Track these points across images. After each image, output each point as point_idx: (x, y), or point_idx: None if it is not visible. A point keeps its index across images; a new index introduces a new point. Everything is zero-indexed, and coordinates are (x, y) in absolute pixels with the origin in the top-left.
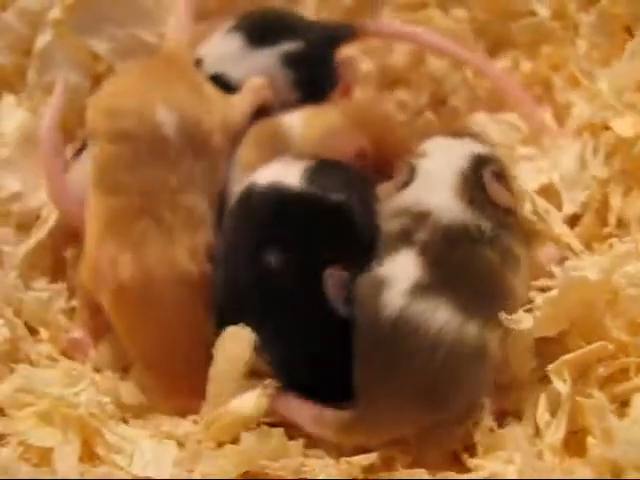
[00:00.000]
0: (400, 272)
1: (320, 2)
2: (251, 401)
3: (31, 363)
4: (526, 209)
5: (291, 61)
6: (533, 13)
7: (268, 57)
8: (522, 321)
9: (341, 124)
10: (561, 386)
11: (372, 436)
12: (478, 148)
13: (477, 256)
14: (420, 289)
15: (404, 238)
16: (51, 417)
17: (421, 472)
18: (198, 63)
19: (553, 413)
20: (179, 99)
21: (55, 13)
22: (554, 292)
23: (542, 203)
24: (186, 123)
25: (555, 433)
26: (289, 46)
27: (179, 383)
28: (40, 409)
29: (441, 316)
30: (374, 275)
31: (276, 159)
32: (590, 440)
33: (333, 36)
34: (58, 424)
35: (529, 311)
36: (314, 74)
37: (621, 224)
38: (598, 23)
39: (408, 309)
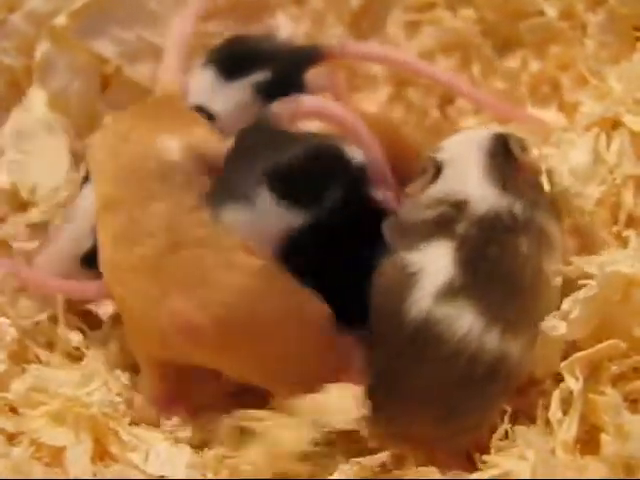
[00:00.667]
0: (433, 267)
1: (327, 4)
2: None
3: (41, 362)
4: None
5: (263, 90)
6: (541, 13)
7: (241, 89)
8: (556, 328)
9: None
10: (573, 384)
11: (383, 440)
12: (494, 130)
13: (511, 250)
14: (450, 290)
15: (444, 226)
16: (63, 416)
17: (433, 471)
18: None
19: (565, 411)
20: (181, 130)
21: (59, 20)
22: (590, 291)
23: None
24: (191, 146)
25: (568, 431)
26: (259, 76)
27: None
28: (52, 408)
29: (465, 322)
30: (402, 263)
31: None
32: (604, 437)
33: (301, 61)
34: (70, 424)
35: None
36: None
37: (632, 222)
38: (606, 23)
39: (435, 313)
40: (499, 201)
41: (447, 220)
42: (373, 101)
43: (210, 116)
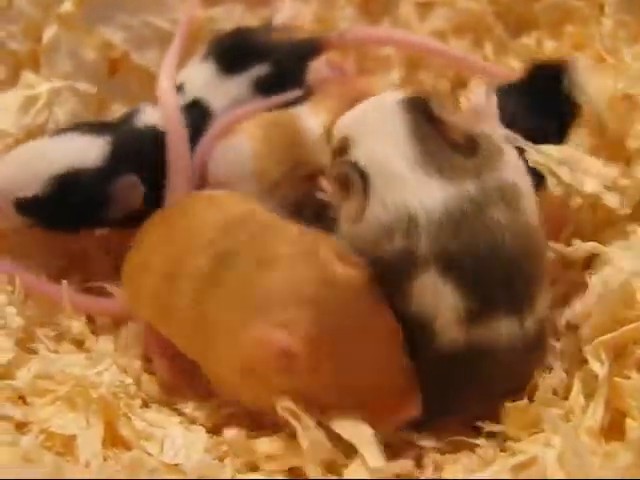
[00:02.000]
0: (440, 305)
1: None
2: None
3: (47, 349)
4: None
5: (263, 85)
6: None
7: (240, 84)
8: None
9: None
10: (598, 368)
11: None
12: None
13: (487, 229)
14: (469, 315)
15: (412, 261)
16: (73, 401)
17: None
18: (179, 88)
19: (589, 395)
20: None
21: (64, 7)
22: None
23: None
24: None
25: (593, 416)
26: (259, 70)
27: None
28: (61, 393)
29: (501, 329)
30: (415, 316)
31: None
32: (629, 422)
33: (300, 54)
34: (80, 408)
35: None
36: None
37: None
38: (624, 1)
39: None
40: (448, 193)
41: (410, 254)
42: (385, 83)
43: (206, 111)
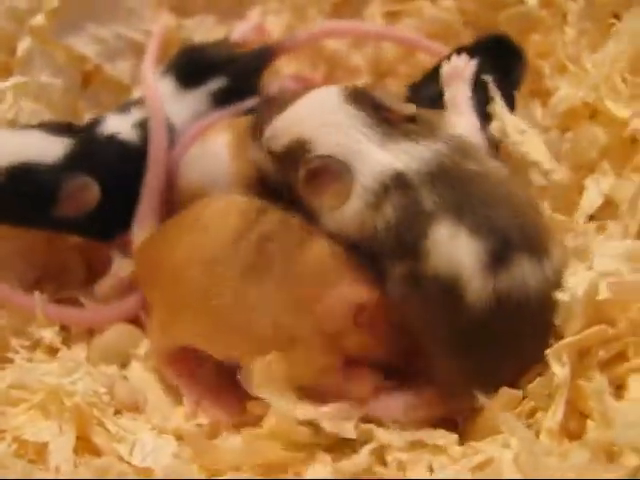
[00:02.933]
0: (462, 253)
1: None
2: None
3: (22, 359)
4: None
5: (220, 98)
6: (521, 2)
7: (198, 98)
8: None
9: None
10: (559, 370)
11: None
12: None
13: (475, 180)
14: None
15: (420, 219)
16: (47, 409)
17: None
18: (141, 102)
19: (551, 397)
20: None
21: (37, 20)
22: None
23: (515, 122)
24: None
25: (553, 417)
26: (215, 84)
27: None
28: (35, 402)
29: (526, 272)
30: (437, 280)
31: None
32: (589, 423)
33: (255, 62)
34: (54, 416)
35: None
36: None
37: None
38: (585, 10)
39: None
40: (422, 151)
41: (416, 213)
42: None
43: (168, 126)
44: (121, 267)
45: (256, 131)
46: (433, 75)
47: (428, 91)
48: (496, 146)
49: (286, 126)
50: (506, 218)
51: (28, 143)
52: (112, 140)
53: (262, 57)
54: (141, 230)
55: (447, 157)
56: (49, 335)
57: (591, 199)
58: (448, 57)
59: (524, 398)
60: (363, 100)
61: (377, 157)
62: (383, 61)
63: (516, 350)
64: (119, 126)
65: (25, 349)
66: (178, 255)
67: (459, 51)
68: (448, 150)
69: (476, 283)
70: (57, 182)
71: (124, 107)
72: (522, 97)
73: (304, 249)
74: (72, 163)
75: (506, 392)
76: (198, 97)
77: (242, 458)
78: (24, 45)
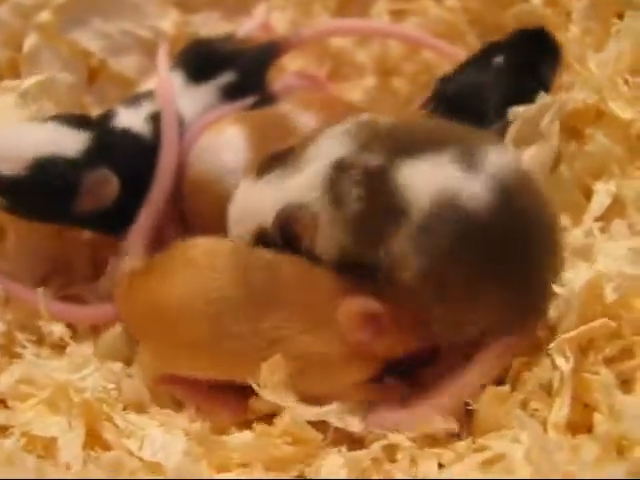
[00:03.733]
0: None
1: None
2: None
3: (30, 354)
4: None
5: (229, 92)
6: (526, 0)
7: (208, 92)
8: None
9: None
10: (563, 364)
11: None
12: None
13: None
14: None
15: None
16: (56, 405)
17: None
18: (150, 96)
19: (556, 392)
20: None
21: (43, 16)
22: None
23: None
24: None
25: (559, 411)
26: (224, 78)
27: None
28: (44, 397)
29: None
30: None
31: None
32: (596, 417)
33: (263, 57)
34: (63, 411)
35: None
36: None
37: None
38: (590, 9)
39: None
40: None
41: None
42: (359, 90)
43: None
44: (117, 266)
45: None
46: (465, 67)
47: (459, 83)
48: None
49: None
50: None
51: (49, 136)
52: (127, 134)
53: (269, 52)
54: (133, 249)
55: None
56: (58, 330)
57: (600, 202)
58: (483, 52)
59: (512, 392)
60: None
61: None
62: (389, 59)
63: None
64: (132, 120)
65: (32, 344)
66: (175, 293)
67: (492, 47)
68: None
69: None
70: (79, 176)
71: (134, 100)
72: None
73: (304, 275)
74: (91, 157)
75: (492, 389)
76: (208, 91)
77: (252, 454)
78: (30, 41)
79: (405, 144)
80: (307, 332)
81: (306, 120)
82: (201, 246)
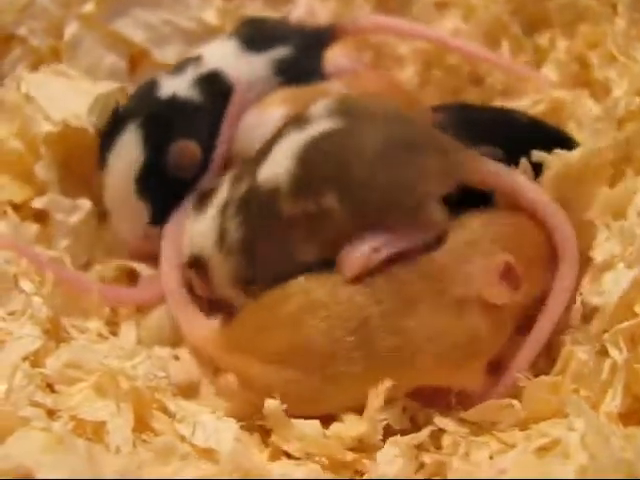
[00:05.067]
0: None
1: None
2: None
3: (76, 339)
4: None
5: (280, 66)
6: None
7: (260, 61)
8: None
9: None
10: (617, 355)
11: None
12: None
13: None
14: None
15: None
16: (104, 390)
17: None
18: (197, 59)
19: (607, 382)
20: None
21: (87, 8)
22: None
23: None
24: None
25: (612, 402)
26: (279, 52)
27: None
28: (92, 382)
29: None
30: None
31: None
32: None
33: (319, 38)
34: (111, 397)
35: None
36: (301, 79)
37: None
38: (636, 0)
39: None
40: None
41: None
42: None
43: (223, 81)
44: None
45: None
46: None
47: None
48: None
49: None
50: None
51: None
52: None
53: (324, 35)
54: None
55: None
56: (100, 315)
57: None
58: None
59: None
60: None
61: None
62: (430, 51)
63: None
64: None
65: (77, 329)
66: (314, 335)
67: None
68: None
69: None
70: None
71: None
72: (571, 88)
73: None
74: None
75: (543, 378)
76: (261, 61)
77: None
78: (71, 29)
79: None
80: (456, 319)
81: None
82: (315, 285)
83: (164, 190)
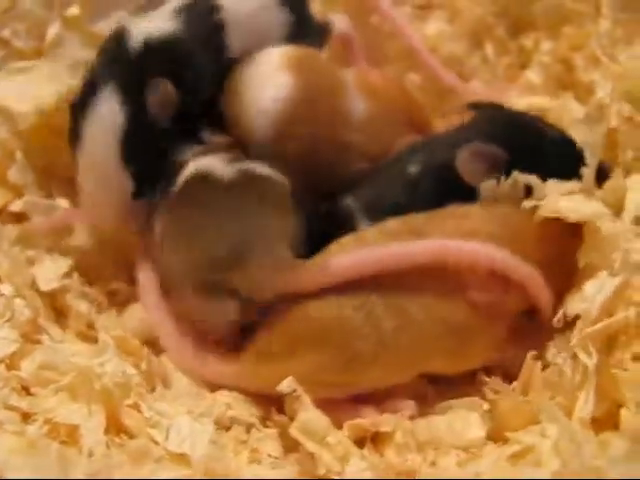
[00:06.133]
0: None
1: None
2: None
3: (51, 340)
4: None
5: (286, 1)
6: None
7: None
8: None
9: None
10: (587, 360)
11: None
12: None
13: None
14: None
15: None
16: (77, 391)
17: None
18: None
19: (580, 387)
20: None
21: (73, 10)
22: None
23: None
24: None
25: (584, 407)
26: None
27: None
28: (67, 383)
29: None
30: None
31: None
32: (624, 413)
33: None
34: (82, 398)
35: None
36: (304, 17)
37: None
38: (620, 2)
39: None
40: None
41: None
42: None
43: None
44: None
45: None
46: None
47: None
48: None
49: None
50: None
51: None
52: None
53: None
54: None
55: None
56: (80, 313)
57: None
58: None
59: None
60: None
61: None
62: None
63: None
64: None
65: (55, 330)
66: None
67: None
68: None
69: None
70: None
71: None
72: (555, 90)
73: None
74: None
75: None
76: None
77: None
78: (54, 30)
79: None
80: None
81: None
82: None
83: (149, 152)
